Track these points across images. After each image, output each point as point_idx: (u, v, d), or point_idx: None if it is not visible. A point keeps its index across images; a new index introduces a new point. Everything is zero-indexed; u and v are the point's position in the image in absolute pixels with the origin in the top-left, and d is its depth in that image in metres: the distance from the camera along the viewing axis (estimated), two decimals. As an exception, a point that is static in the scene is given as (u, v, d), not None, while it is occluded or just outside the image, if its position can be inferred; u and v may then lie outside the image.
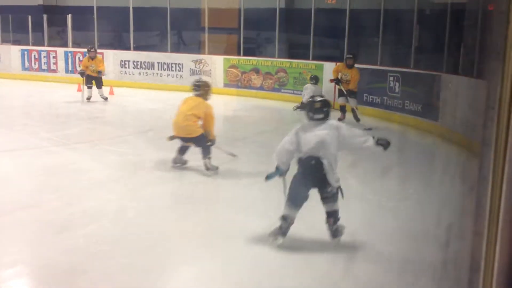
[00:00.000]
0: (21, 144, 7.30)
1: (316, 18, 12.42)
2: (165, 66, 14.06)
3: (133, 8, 14.45)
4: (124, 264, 3.99)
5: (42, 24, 15.70)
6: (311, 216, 4.46)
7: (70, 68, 14.82)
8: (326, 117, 4.29)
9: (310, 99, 4.45)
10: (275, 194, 5.77)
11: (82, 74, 11.43)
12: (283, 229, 4.31)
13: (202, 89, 6.56)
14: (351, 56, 9.89)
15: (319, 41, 12.78)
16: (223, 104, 10.87)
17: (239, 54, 13.51)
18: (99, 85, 11.46)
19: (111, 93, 12.22)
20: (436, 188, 6.28)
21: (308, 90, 10.63)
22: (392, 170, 6.96)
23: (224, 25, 14.30)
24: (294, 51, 13.47)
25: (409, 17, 10.77)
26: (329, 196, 4.25)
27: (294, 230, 4.33)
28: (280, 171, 4.36)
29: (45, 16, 15.84)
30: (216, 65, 13.55)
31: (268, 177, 4.41)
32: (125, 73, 14.10)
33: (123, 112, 9.42)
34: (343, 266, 4.15)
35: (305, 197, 4.25)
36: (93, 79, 11.38)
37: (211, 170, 6.35)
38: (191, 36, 15.28)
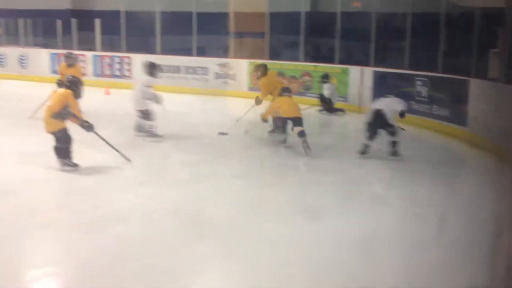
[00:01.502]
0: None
1: (341, 22, 12.38)
2: (191, 70, 14.17)
3: (160, 12, 14.60)
4: (149, 265, 4.03)
5: (70, 28, 15.97)
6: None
7: (98, 72, 15.04)
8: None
9: None
10: (299, 198, 5.78)
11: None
12: (363, 150, 7.34)
13: None
14: None
15: (345, 44, 12.72)
16: (248, 108, 10.84)
17: (264, 58, 13.52)
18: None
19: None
20: (464, 194, 6.20)
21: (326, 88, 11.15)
22: (420, 176, 6.88)
23: (250, 29, 14.34)
24: (319, 54, 13.43)
25: (437, 21, 10.64)
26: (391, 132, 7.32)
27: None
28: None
29: (73, 20, 16.10)
30: (241, 69, 13.60)
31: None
32: (151, 76, 14.20)
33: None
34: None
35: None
36: None
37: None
38: (217, 40, 15.35)
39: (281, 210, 5.42)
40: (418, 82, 10.18)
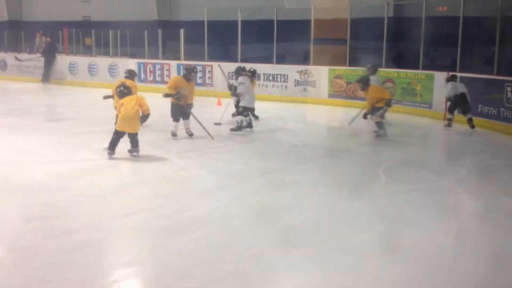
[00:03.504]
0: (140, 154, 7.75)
1: (426, 27, 11.99)
2: (270, 77, 14.28)
3: (242, 21, 14.86)
4: (231, 270, 4.08)
5: (157, 38, 16.62)
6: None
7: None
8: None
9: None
10: (377, 207, 5.63)
11: (178, 98, 8.81)
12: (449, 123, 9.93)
13: None
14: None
15: (430, 50, 12.31)
16: (327, 115, 10.82)
17: (345, 65, 13.38)
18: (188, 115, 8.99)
19: (219, 103, 12.60)
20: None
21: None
22: (509, 186, 6.51)
23: (331, 35, 14.23)
24: (403, 60, 13.08)
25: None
26: (467, 110, 9.63)
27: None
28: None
29: (159, 31, 16.75)
30: (321, 76, 13.53)
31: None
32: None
33: (227, 122, 9.68)
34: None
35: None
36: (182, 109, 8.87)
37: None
38: (297, 48, 15.39)
39: (362, 219, 5.31)
40: (508, 88, 9.64)
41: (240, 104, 9.70)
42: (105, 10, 20.15)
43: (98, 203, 5.68)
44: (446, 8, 13.29)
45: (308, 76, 13.72)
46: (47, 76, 17.90)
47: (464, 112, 9.96)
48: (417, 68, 11.96)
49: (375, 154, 8.33)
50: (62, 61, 17.99)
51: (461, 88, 9.89)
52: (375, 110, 9.24)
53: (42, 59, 17.99)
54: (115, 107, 7.98)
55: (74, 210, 5.42)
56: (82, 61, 17.70)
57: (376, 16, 13.17)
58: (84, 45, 19.11)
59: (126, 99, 7.51)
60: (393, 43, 13.20)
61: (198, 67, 15.19)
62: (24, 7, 23.41)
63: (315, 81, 13.60)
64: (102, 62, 17.26)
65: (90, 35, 18.81)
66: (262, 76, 14.34)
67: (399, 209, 5.61)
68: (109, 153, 7.45)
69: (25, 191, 6.02)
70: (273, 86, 14.24)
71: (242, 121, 9.56)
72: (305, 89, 13.77)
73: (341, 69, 13.24)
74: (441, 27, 12.73)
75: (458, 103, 9.93)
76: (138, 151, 7.55)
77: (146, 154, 7.68)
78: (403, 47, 13.53)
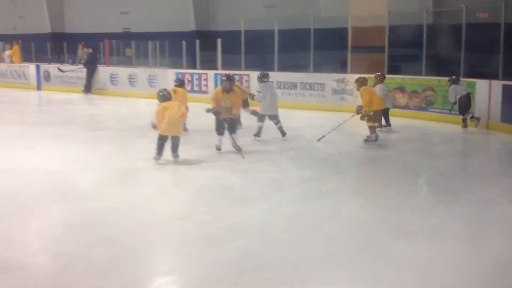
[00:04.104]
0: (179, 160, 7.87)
1: (466, 33, 11.76)
2: (307, 86, 14.25)
3: (278, 30, 14.91)
4: (270, 279, 4.07)
5: (195, 48, 16.84)
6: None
7: (220, 90, 15.65)
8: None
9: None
10: (418, 217, 5.53)
11: (216, 113, 8.46)
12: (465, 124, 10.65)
13: None
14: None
15: (470, 57, 12.06)
16: (365, 124, 10.68)
17: (383, 73, 13.22)
18: (233, 128, 8.53)
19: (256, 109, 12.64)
20: None
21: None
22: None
23: (369, 43, 14.12)
24: (443, 68, 12.85)
25: None
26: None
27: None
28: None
29: (197, 41, 16.97)
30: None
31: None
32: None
33: (264, 131, 9.69)
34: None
35: None
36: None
37: None
38: (334, 56, 15.32)
39: (403, 230, 5.22)
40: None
41: (259, 111, 9.86)
42: (145, 22, 20.56)
43: (138, 210, 5.77)
44: (487, 14, 13.01)
45: (346, 84, 13.63)
46: (89, 86, 18.35)
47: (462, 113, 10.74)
48: (458, 75, 11.73)
49: (414, 163, 8.19)
50: (103, 72, 18.42)
51: (463, 90, 10.70)
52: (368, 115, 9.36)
53: (84, 70, 18.46)
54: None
55: (115, 218, 5.52)
56: (123, 71, 18.07)
57: (414, 23, 13.01)
58: (125, 56, 19.53)
59: (170, 104, 7.68)
60: (433, 50, 12.99)
61: (235, 76, 15.40)
62: (67, 19, 24.14)
63: (352, 89, 13.48)
64: (142, 72, 17.58)
65: (130, 46, 19.25)
66: (298, 85, 14.33)
67: (441, 220, 5.49)
68: (156, 158, 7.61)
69: (67, 198, 6.17)
70: (310, 95, 14.20)
71: (260, 128, 9.66)
72: (342, 98, 13.68)
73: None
74: (482, 34, 12.45)
75: (467, 103, 10.66)
76: (178, 156, 7.69)
77: (184, 162, 7.78)
78: (443, 55, 13.29)
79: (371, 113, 9.29)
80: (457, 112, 11.00)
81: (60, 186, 6.71)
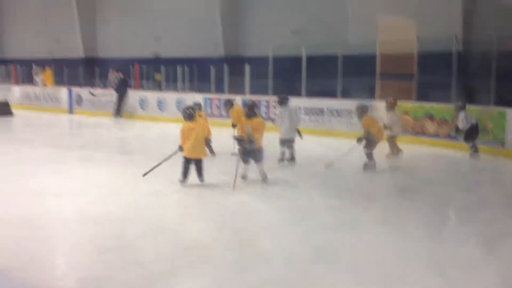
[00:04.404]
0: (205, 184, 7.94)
1: (497, 61, 11.63)
2: (335, 112, 14.23)
3: (306, 56, 15.00)
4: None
5: (223, 74, 17.05)
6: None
7: (246, 114, 15.75)
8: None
9: None
10: (448, 250, 5.42)
11: (240, 140, 8.31)
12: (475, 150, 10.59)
13: None
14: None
15: (501, 85, 11.89)
16: (394, 153, 10.64)
17: (411, 99, 13.15)
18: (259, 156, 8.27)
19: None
20: None
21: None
22: None
23: (397, 71, 14.08)
24: (473, 96, 12.71)
25: None
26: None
27: None
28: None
29: (226, 66, 17.19)
30: (387, 114, 13.30)
31: None
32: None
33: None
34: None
35: None
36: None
37: None
38: (362, 83, 15.30)
39: (432, 262, 5.13)
40: None
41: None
42: (175, 47, 20.92)
43: (166, 234, 5.83)
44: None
45: (374, 111, 13.54)
46: (119, 110, 18.69)
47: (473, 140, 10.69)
48: (489, 103, 11.59)
49: (445, 193, 8.05)
50: (133, 96, 18.77)
51: (472, 119, 10.72)
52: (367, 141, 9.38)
53: (115, 94, 18.83)
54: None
55: (143, 242, 5.58)
56: (152, 96, 18.38)
57: (444, 50, 12.94)
58: (154, 80, 19.88)
59: (195, 125, 7.78)
60: (463, 78, 12.87)
61: (262, 102, 15.50)
62: (99, 44, 24.76)
63: (381, 116, 13.39)
64: (170, 97, 17.84)
65: (159, 71, 19.58)
66: (326, 111, 14.33)
67: (471, 253, 5.38)
68: (181, 181, 7.70)
69: (97, 221, 6.25)
70: (338, 121, 14.17)
71: (283, 153, 9.78)
72: (370, 125, 13.58)
73: (408, 105, 13.01)
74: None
75: (474, 132, 10.68)
76: (204, 179, 7.83)
77: (211, 186, 7.85)
78: (473, 83, 13.15)
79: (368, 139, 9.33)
80: (484, 142, 10.82)
81: (90, 209, 6.81)
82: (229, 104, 11.14)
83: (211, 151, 10.02)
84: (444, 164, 10.55)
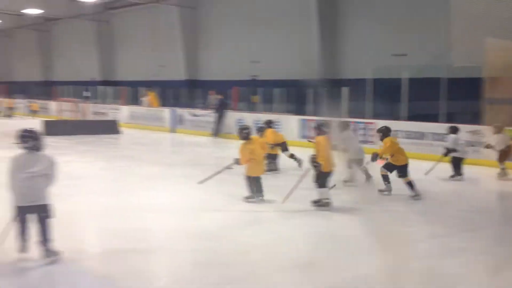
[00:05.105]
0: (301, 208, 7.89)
1: None
2: (437, 137, 13.65)
3: (407, 79, 14.61)
4: None
5: (321, 96, 17.04)
6: None
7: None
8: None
9: None
10: None
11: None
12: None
13: None
14: None
15: None
16: (503, 179, 9.96)
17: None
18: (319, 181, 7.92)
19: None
20: None
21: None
22: None
23: (507, 94, 13.28)
24: None
25: None
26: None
27: None
28: None
29: (324, 89, 17.17)
30: (494, 137, 12.54)
31: None
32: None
33: (396, 183, 9.31)
34: None
35: None
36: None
37: None
38: (467, 106, 14.60)
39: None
40: None
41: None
42: (272, 69, 21.28)
43: (259, 253, 5.86)
44: None
45: (480, 136, 12.85)
46: (217, 130, 19.24)
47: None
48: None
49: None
50: (231, 117, 19.24)
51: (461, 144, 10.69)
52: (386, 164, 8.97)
53: (214, 114, 19.43)
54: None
55: (237, 259, 5.63)
56: (248, 117, 18.71)
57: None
58: (251, 102, 20.28)
59: (255, 145, 8.20)
60: None
61: (360, 124, 15.24)
62: (200, 68, 25.81)
63: (487, 142, 12.65)
64: (266, 118, 18.04)
65: (256, 93, 19.95)
66: (428, 135, 13.81)
67: None
68: (248, 198, 8.11)
69: (193, 238, 6.41)
70: (440, 146, 13.54)
71: (369, 177, 9.71)
72: (477, 150, 12.87)
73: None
74: None
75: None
76: (263, 196, 8.10)
77: (303, 208, 7.78)
78: None
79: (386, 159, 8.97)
80: None
81: (187, 225, 7.00)
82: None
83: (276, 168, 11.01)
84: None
